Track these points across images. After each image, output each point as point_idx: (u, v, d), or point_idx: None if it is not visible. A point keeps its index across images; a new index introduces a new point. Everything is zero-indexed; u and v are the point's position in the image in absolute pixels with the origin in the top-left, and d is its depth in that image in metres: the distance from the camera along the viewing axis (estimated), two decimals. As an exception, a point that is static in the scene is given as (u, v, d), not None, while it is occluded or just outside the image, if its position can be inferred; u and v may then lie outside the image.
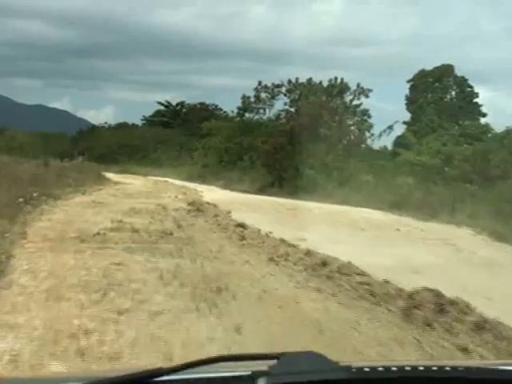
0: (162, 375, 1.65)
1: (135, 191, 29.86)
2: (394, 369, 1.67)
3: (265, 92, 47.21)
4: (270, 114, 47.62)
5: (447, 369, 1.71)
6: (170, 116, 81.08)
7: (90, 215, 17.81)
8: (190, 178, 46.96)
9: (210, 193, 31.93)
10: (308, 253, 12.33)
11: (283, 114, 46.88)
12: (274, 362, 1.68)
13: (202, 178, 45.76)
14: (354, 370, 1.65)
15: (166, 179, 47.32)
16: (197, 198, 26.18)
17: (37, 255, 10.91)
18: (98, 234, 13.80)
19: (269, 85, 47.43)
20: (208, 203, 23.43)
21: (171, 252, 11.88)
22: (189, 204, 22.66)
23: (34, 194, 22.31)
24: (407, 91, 48.23)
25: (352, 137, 36.58)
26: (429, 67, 48.96)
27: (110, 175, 43.84)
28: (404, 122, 46.73)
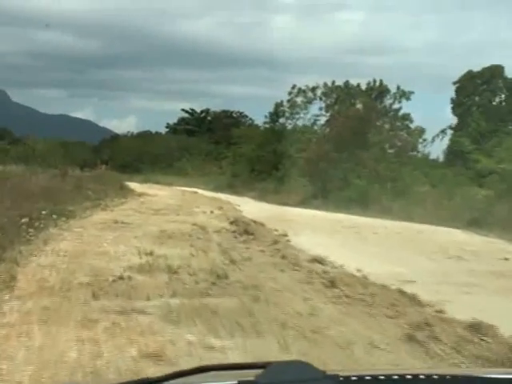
0: None
1: (163, 205, 25.19)
2: (381, 377, 1.64)
3: (300, 96, 42.40)
4: (305, 119, 42.83)
5: (435, 377, 1.68)
6: (194, 124, 76.54)
7: (109, 242, 13.19)
8: (219, 188, 42.28)
9: (247, 206, 27.19)
10: (454, 321, 7.46)
11: (320, 119, 42.17)
12: (261, 371, 1.59)
13: (232, 189, 41.06)
14: (342, 378, 1.60)
15: (194, 189, 42.72)
16: (238, 215, 21.50)
17: (15, 335, 6.19)
18: (121, 278, 9.09)
19: (303, 88, 42.64)
20: (254, 222, 18.65)
21: (238, 320, 7.10)
22: (231, 223, 17.98)
23: (43, 212, 17.75)
24: (453, 94, 43.21)
25: (399, 143, 31.56)
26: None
27: (133, 185, 39.32)
28: (451, 128, 41.75)
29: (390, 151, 31.28)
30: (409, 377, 1.66)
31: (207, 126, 75.66)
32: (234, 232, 16.13)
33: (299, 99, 42.75)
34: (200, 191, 40.22)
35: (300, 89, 42.30)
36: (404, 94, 41.17)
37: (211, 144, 67.99)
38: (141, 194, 33.11)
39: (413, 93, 41.15)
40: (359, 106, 34.12)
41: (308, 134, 40.88)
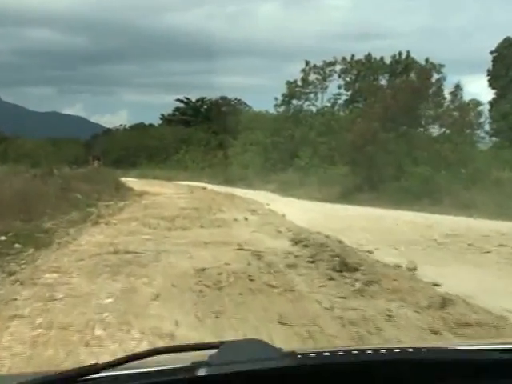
0: (96, 372, 1.43)
1: (175, 209, 18.28)
2: (340, 353, 1.52)
3: (315, 73, 35.31)
4: (323, 99, 35.79)
5: (396, 351, 1.57)
6: (190, 114, 69.18)
7: (104, 308, 6.27)
8: (228, 182, 35.21)
9: (280, 205, 20.29)
10: None
11: (340, 98, 35.18)
12: (215, 351, 1.44)
13: (244, 181, 34.04)
14: (299, 356, 1.48)
15: (199, 184, 35.68)
16: (287, 223, 14.72)
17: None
18: None
19: (319, 64, 35.55)
20: (327, 237, 11.76)
21: None
22: (295, 242, 11.11)
23: (1, 238, 10.93)
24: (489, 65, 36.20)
25: (459, 119, 24.28)
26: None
27: (130, 182, 32.32)
28: (490, 102, 34.79)
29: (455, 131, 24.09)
30: (369, 352, 1.54)
31: (204, 115, 68.37)
32: (312, 262, 9.21)
33: (313, 77, 35.68)
34: (208, 186, 33.23)
35: (315, 65, 35.24)
36: (434, 67, 34.21)
37: (210, 134, 60.86)
38: (141, 194, 26.17)
39: (443, 66, 34.16)
40: (412, 75, 26.97)
41: (329, 116, 33.92)
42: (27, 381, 1.42)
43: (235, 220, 15.26)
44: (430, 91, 23.21)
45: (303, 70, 35.17)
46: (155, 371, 1.46)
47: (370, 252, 10.52)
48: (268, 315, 6.19)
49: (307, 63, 35.07)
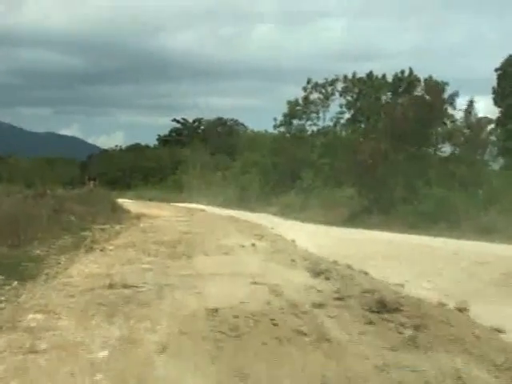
0: None
1: (175, 234, 16.94)
2: None
3: (316, 91, 34.11)
4: (325, 118, 34.55)
5: None
6: (186, 134, 68.00)
7: (97, 367, 4.93)
8: (227, 204, 33.94)
9: (285, 229, 18.93)
10: None
11: (343, 117, 33.96)
12: None
13: (244, 203, 32.70)
14: None
15: (197, 206, 34.35)
16: (299, 250, 13.23)
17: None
18: None
19: (320, 82, 34.35)
20: (349, 267, 10.39)
21: None
22: (316, 274, 9.69)
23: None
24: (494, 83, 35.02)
25: (471, 137, 22.92)
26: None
27: (126, 204, 30.93)
28: (496, 121, 33.55)
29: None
30: None
31: (200, 136, 67.20)
32: (340, 299, 7.85)
33: (315, 96, 34.49)
34: (206, 208, 31.87)
35: (317, 83, 34.03)
36: (437, 85, 33.09)
37: (206, 154, 59.63)
38: (139, 216, 24.80)
39: (447, 84, 33.03)
40: (418, 91, 25.68)
41: (331, 136, 32.68)
42: None
43: (242, 246, 13.88)
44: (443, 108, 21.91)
45: (305, 89, 34.01)
46: None
47: (401, 285, 9.14)
48: (307, 378, 4.81)
49: (309, 81, 33.92)
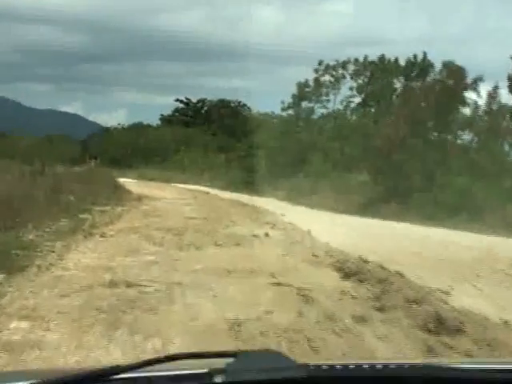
0: (118, 373, 1.47)
1: (180, 219, 15.65)
2: (351, 367, 1.57)
3: (327, 74, 32.64)
4: (335, 102, 33.10)
5: (405, 367, 1.63)
6: (190, 115, 66.45)
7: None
8: (231, 186, 32.54)
9: (297, 215, 17.63)
10: None
11: (353, 101, 32.55)
12: (232, 359, 1.49)
13: (249, 186, 31.28)
14: (312, 368, 1.52)
15: (201, 188, 32.97)
16: (321, 244, 11.90)
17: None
18: None
19: (331, 64, 32.86)
20: (381, 268, 9.05)
21: None
22: (349, 276, 8.36)
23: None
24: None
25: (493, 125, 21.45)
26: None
27: (128, 184, 29.62)
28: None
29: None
30: (379, 366, 1.58)
31: (204, 117, 65.67)
32: (382, 310, 6.58)
33: (326, 78, 33.05)
34: (210, 191, 30.53)
35: (328, 65, 32.55)
36: (460, 69, 31.70)
37: (209, 136, 58.20)
38: (140, 198, 23.48)
39: (464, 69, 31.62)
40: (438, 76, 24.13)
41: (341, 119, 31.29)
42: (48, 379, 1.44)
43: (255, 236, 12.56)
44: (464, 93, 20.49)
45: (316, 70, 32.48)
46: (173, 375, 1.51)
47: (446, 293, 7.83)
48: None
49: (320, 63, 32.42)
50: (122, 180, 32.89)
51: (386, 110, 31.17)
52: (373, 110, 32.48)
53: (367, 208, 19.82)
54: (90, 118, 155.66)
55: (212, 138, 56.89)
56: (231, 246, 11.07)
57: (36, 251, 9.49)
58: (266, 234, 12.80)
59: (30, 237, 10.95)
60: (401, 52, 31.95)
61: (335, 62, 32.16)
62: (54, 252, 9.56)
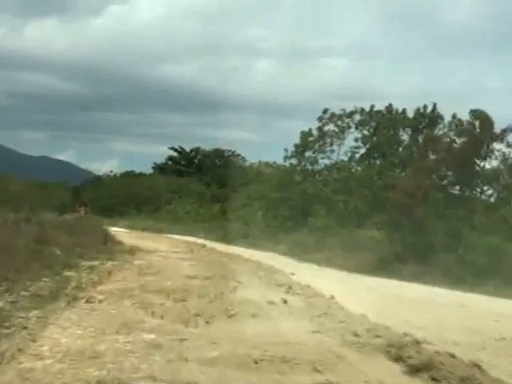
0: None
1: (181, 279, 13.51)
2: None
3: (332, 122, 30.88)
4: (339, 152, 31.26)
5: None
6: (183, 163, 64.55)
7: None
8: (229, 239, 30.33)
9: (306, 275, 15.52)
10: None
11: (359, 152, 30.72)
12: None
13: (248, 240, 29.19)
14: None
15: (197, 240, 30.73)
16: (353, 315, 9.69)
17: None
18: None
19: (337, 113, 31.14)
20: (452, 356, 6.80)
21: None
22: (415, 371, 6.08)
23: None
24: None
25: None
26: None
27: (119, 234, 27.40)
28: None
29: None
30: None
31: (197, 166, 63.80)
32: None
33: (330, 127, 31.27)
34: (206, 243, 28.30)
35: (333, 114, 30.80)
36: (461, 124, 30.03)
37: (203, 185, 56.20)
38: (133, 250, 21.30)
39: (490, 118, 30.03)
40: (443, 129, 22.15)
41: (345, 171, 29.39)
42: None
43: (271, 303, 10.38)
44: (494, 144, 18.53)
45: (320, 119, 30.66)
46: None
47: None
48: None
49: (325, 111, 30.61)
50: (113, 229, 30.75)
51: (391, 163, 29.40)
52: (377, 162, 30.62)
53: (382, 267, 17.69)
54: (83, 166, 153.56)
55: (206, 187, 54.88)
56: (247, 318, 8.89)
57: (3, 326, 7.25)
58: (284, 301, 10.61)
59: (1, 304, 8.71)
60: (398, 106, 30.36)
61: (341, 112, 30.41)
62: (26, 328, 7.32)
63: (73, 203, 52.25)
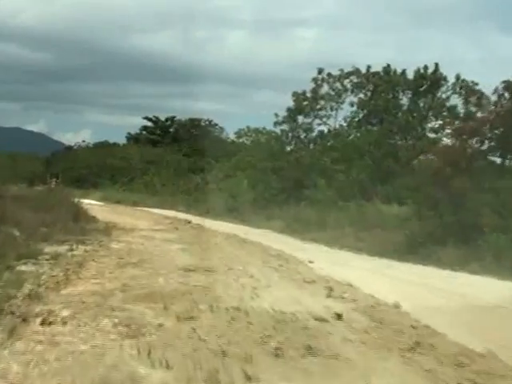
0: None
1: (174, 273, 9.70)
2: None
3: (328, 84, 27.13)
4: (336, 117, 27.55)
5: None
6: (158, 133, 60.21)
7: None
8: (215, 214, 26.57)
9: (336, 265, 11.91)
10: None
11: (358, 117, 27.11)
12: None
13: (236, 214, 25.49)
14: None
15: (178, 215, 26.94)
16: (446, 341, 5.92)
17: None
18: None
19: (335, 74, 27.38)
20: None
21: None
22: None
23: None
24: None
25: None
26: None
27: (93, 207, 23.54)
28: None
29: None
30: None
31: (173, 136, 59.57)
32: None
33: (326, 89, 27.49)
34: (190, 218, 24.55)
35: (329, 74, 26.99)
36: (468, 87, 26.60)
37: (180, 155, 52.12)
38: (109, 228, 17.51)
39: (477, 84, 26.56)
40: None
41: (344, 137, 25.77)
42: None
43: (322, 321, 6.71)
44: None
45: (314, 80, 26.82)
46: None
47: None
48: None
49: (320, 71, 26.77)
50: (86, 201, 26.92)
51: (390, 130, 25.85)
52: (375, 129, 27.04)
53: (412, 251, 14.15)
54: (55, 138, 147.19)
55: (183, 158, 50.79)
56: (302, 360, 5.22)
57: None
58: (338, 316, 6.94)
59: None
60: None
61: (340, 71, 26.60)
62: None
63: (43, 174, 48.05)
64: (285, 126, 26.71)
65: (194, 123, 60.77)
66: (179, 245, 14.30)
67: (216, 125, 60.35)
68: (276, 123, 26.88)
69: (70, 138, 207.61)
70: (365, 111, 27.09)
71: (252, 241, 16.25)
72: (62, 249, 12.03)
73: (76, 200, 21.95)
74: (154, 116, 60.86)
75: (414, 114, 26.49)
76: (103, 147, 60.38)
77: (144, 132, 61.12)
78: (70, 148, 70.47)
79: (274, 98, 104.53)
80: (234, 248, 14.28)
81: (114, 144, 62.96)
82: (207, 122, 60.92)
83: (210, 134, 57.56)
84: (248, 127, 28.88)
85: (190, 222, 22.21)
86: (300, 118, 26.76)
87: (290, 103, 26.67)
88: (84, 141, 66.86)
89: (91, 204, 29.44)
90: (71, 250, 12.05)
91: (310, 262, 12.29)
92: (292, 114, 26.52)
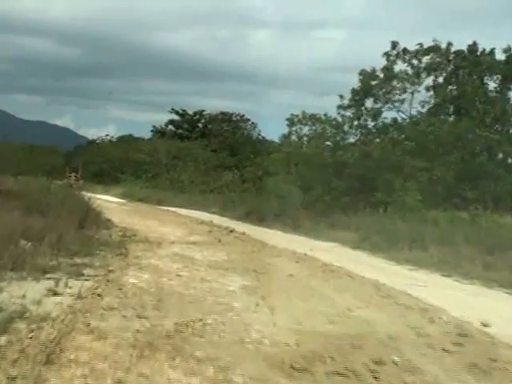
0: None
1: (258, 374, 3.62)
2: None
3: (405, 62, 21.19)
4: (411, 103, 21.62)
5: None
6: (185, 128, 54.53)
7: None
8: (256, 218, 20.83)
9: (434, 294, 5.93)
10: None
11: (436, 102, 21.26)
12: None
13: (284, 220, 19.73)
14: None
15: (212, 217, 21.23)
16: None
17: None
18: None
19: (410, 49, 21.48)
20: None
21: None
22: None
23: None
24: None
25: None
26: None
27: (110, 206, 17.93)
28: None
29: None
30: None
31: (201, 131, 53.90)
32: None
33: (401, 67, 21.56)
34: (230, 223, 18.87)
35: (405, 49, 21.06)
36: None
37: (209, 151, 46.41)
38: (126, 239, 11.71)
39: None
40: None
41: (424, 127, 19.87)
42: None
43: None
44: None
45: (386, 54, 20.90)
46: None
47: None
48: None
49: (394, 46, 20.85)
50: (104, 198, 21.63)
51: (481, 121, 19.98)
52: (452, 119, 21.17)
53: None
54: (80, 132, 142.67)
55: (213, 154, 45.08)
56: None
57: None
58: None
59: None
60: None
61: (418, 46, 20.65)
62: None
63: (63, 168, 43.22)
64: (349, 112, 20.73)
65: (224, 117, 55.09)
66: (236, 276, 8.58)
67: (248, 120, 54.66)
68: (340, 107, 20.88)
69: (95, 132, 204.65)
70: (441, 97, 21.12)
71: (335, 265, 10.48)
72: (37, 291, 6.36)
73: (87, 197, 16.45)
74: (182, 109, 55.24)
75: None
76: (127, 141, 55.01)
77: (170, 126, 55.55)
78: (92, 142, 65.41)
79: (296, 99, 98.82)
80: (321, 282, 8.51)
81: (139, 138, 57.55)
82: (239, 117, 55.14)
83: (242, 129, 52.06)
84: (304, 112, 22.79)
85: (232, 231, 16.48)
86: (368, 102, 20.78)
87: (312, 104, 21.16)
88: (107, 135, 61.63)
89: (109, 201, 24.17)
90: (53, 293, 6.38)
91: (484, 325, 6.49)
92: (357, 96, 20.56)
